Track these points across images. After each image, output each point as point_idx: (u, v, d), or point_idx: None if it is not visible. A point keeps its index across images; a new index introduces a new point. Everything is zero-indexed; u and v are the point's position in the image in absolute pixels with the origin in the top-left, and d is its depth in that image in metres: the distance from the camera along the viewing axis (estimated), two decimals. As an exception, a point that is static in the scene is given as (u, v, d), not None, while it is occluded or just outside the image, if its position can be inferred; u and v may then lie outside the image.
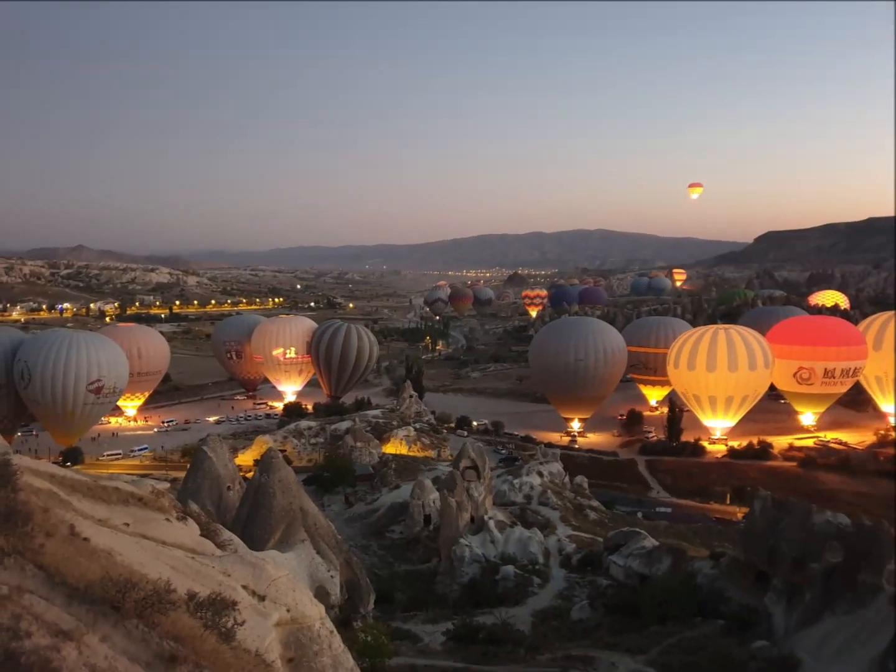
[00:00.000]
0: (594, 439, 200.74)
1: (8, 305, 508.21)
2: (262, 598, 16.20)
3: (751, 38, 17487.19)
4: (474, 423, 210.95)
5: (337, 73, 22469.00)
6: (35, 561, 10.79)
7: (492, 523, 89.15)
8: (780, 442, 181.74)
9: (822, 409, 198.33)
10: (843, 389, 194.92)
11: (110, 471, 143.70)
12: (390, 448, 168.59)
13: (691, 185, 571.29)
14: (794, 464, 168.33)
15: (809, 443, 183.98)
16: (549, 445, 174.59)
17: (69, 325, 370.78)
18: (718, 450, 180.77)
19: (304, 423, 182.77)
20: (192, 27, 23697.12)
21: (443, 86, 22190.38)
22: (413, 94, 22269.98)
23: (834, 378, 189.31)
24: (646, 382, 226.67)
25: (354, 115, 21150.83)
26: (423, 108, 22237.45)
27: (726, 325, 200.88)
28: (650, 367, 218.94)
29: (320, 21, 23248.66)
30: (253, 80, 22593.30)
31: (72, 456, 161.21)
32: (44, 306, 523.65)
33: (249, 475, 76.08)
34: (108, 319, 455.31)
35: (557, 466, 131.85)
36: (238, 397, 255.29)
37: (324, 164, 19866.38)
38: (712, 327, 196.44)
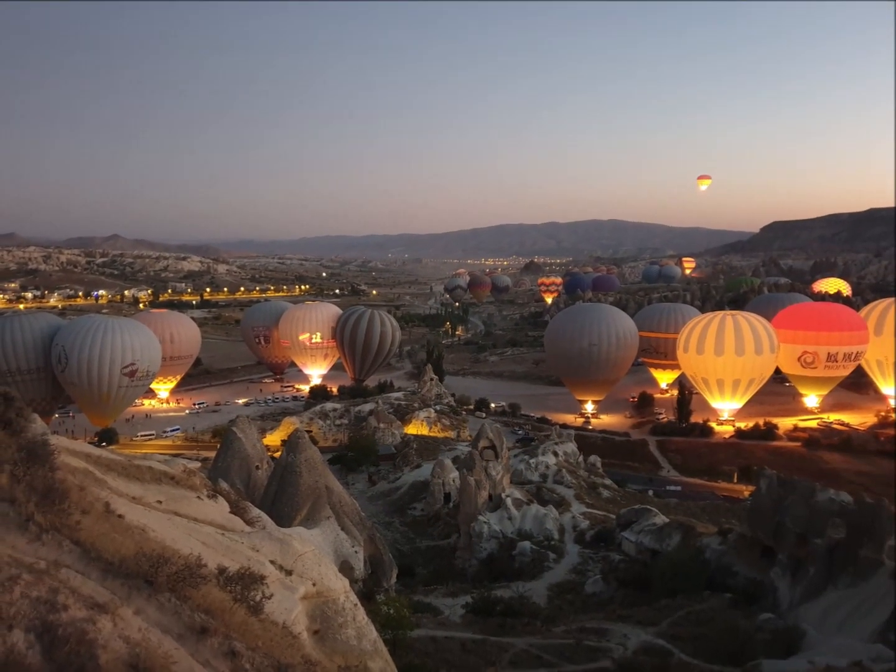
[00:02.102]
0: (607, 420, 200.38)
1: (46, 292, 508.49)
2: (289, 573, 16.20)
3: (758, 36, 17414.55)
4: (492, 405, 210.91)
5: (362, 69, 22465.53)
6: (72, 537, 10.79)
7: (509, 501, 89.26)
8: (785, 423, 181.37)
9: (825, 392, 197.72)
10: (846, 373, 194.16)
11: (144, 451, 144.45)
12: (412, 429, 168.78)
13: (700, 177, 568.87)
14: (799, 444, 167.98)
15: (813, 424, 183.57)
16: (564, 426, 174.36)
17: (104, 311, 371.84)
18: (726, 430, 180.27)
19: (329, 405, 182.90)
20: (223, 27, 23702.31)
21: (462, 82, 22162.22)
22: (434, 90, 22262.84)
23: (836, 362, 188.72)
24: (656, 366, 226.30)
25: (379, 109, 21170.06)
26: (443, 103, 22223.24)
27: (733, 312, 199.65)
28: (661, 352, 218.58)
29: (345, 20, 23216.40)
30: (281, 77, 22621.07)
31: (107, 436, 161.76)
32: (80, 293, 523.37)
33: (277, 455, 76.45)
34: (141, 306, 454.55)
35: (572, 446, 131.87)
36: (266, 380, 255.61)
37: (349, 157, 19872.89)
38: (720, 313, 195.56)
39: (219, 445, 73.10)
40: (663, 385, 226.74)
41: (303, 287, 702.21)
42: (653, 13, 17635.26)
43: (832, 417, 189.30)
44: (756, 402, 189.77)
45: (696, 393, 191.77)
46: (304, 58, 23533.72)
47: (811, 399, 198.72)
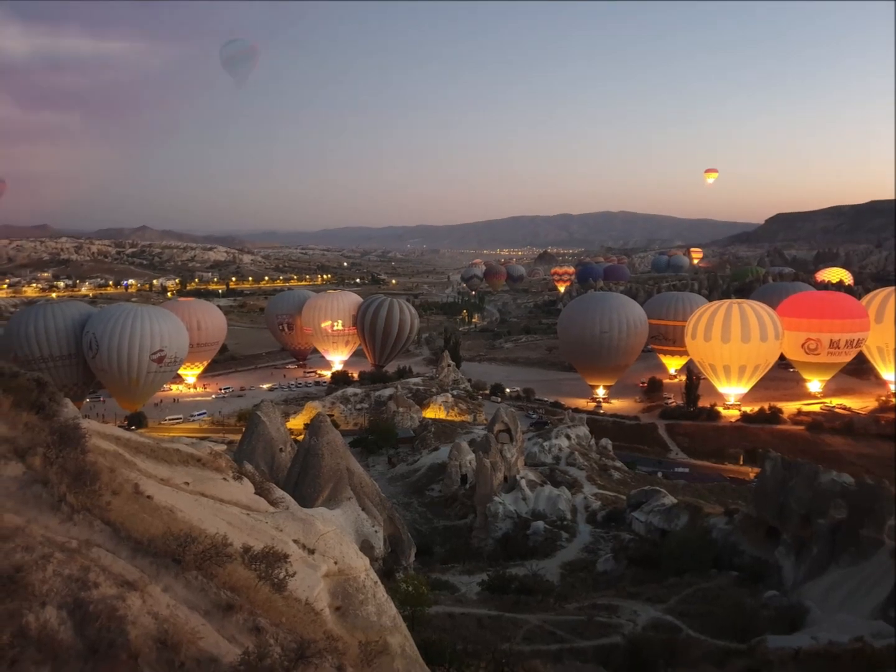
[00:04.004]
0: (618, 405, 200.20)
1: (77, 282, 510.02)
2: (311, 552, 16.21)
3: (764, 34, 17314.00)
4: (507, 390, 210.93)
5: (381, 66, 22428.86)
6: (102, 517, 10.80)
7: (523, 482, 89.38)
8: (789, 407, 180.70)
9: (827, 377, 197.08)
10: (848, 359, 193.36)
11: (172, 434, 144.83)
12: (430, 413, 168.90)
13: (707, 171, 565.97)
14: (802, 427, 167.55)
15: (816, 408, 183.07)
16: (576, 410, 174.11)
17: (133, 299, 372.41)
18: (732, 415, 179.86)
19: (350, 390, 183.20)
20: (248, 24, 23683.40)
21: (478, 79, 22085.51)
22: (450, 85, 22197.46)
23: (839, 348, 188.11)
24: (665, 352, 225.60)
25: (398, 105, 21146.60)
26: (459, 99, 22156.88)
27: (739, 300, 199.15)
28: (669, 339, 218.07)
29: (366, 18, 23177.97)
30: (304, 73, 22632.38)
31: (136, 420, 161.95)
32: (110, 282, 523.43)
33: (300, 438, 76.59)
34: (169, 294, 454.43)
35: (584, 430, 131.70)
36: (289, 366, 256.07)
37: (369, 151, 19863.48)
38: (727, 302, 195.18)
39: (244, 429, 73.37)
40: (672, 371, 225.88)
41: (325, 276, 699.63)
42: (662, 11, 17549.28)
43: (834, 402, 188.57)
44: (761, 387, 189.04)
45: (704, 378, 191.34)
46: (326, 55, 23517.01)
47: (814, 384, 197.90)
